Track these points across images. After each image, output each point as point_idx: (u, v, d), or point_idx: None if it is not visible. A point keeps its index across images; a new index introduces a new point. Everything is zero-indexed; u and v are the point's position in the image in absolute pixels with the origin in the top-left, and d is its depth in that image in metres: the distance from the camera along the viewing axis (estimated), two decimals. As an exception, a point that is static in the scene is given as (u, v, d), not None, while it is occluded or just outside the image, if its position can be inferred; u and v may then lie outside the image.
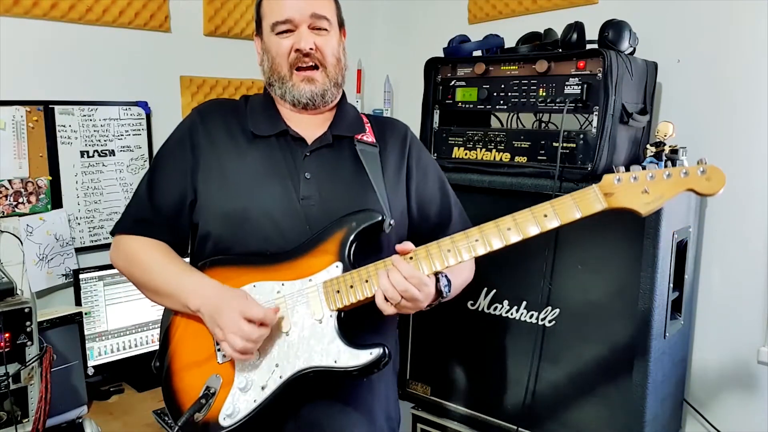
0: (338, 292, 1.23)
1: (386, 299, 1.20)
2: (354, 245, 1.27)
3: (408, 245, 1.23)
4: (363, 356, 1.20)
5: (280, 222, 1.30)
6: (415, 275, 1.18)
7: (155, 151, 2.30)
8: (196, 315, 1.28)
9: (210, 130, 1.38)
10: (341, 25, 1.41)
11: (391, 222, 1.30)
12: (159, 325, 1.44)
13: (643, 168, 1.18)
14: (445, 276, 1.28)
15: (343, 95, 1.46)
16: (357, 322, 1.27)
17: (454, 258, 1.21)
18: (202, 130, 1.38)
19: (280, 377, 1.23)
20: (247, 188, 1.32)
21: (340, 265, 1.25)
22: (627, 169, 1.17)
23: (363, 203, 1.31)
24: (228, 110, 1.42)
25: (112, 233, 1.41)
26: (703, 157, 1.16)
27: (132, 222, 1.38)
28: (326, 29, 1.34)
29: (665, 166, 1.74)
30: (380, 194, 1.34)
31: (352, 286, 1.23)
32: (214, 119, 1.39)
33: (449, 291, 1.30)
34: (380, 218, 1.27)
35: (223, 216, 1.32)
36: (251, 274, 1.30)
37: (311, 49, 1.32)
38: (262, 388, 1.24)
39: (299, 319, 1.25)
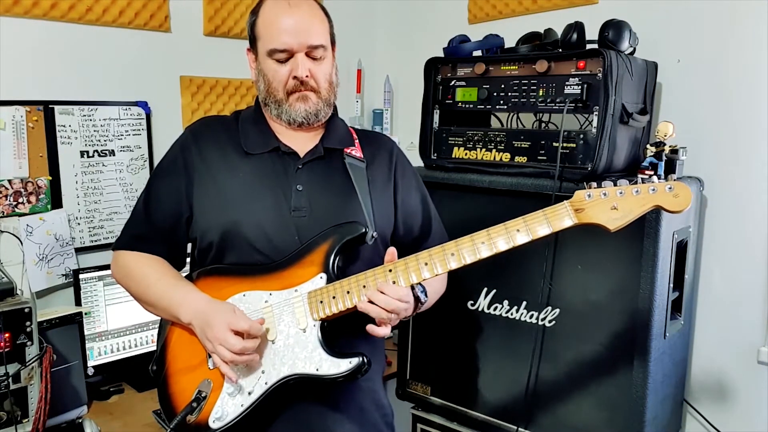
0: (321, 302, 1.29)
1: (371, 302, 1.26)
2: (338, 257, 1.32)
3: (393, 253, 1.30)
4: (343, 365, 1.26)
5: (270, 233, 1.35)
6: (402, 294, 1.25)
7: (155, 151, 2.33)
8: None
9: (202, 148, 1.42)
10: (333, 42, 1.45)
11: (374, 234, 1.36)
12: (158, 325, 1.48)
13: (615, 183, 1.21)
14: (419, 283, 1.33)
15: (335, 110, 1.50)
16: (346, 327, 1.33)
17: (430, 271, 1.26)
18: (195, 149, 1.42)
19: (266, 383, 1.29)
20: (240, 201, 1.37)
21: (324, 276, 1.31)
22: (599, 185, 1.21)
23: (349, 215, 1.36)
24: (219, 127, 1.47)
25: (113, 249, 1.47)
26: (672, 174, 1.19)
27: (130, 238, 1.44)
28: (321, 57, 1.38)
29: (664, 167, 1.76)
30: (365, 207, 1.39)
31: (334, 297, 1.28)
32: (205, 137, 1.44)
33: (426, 297, 1.36)
34: (363, 231, 1.32)
35: (217, 228, 1.37)
36: (241, 284, 1.35)
37: (306, 76, 1.36)
38: (249, 393, 1.29)
39: (285, 327, 1.31)
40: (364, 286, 1.27)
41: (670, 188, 1.18)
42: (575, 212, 1.22)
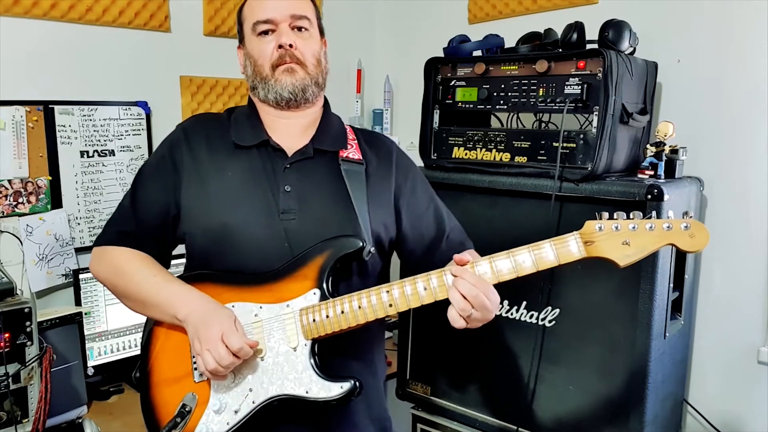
0: (314, 321, 1.23)
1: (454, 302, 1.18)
2: (332, 273, 1.26)
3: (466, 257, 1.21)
4: (334, 389, 1.21)
5: (259, 237, 1.30)
6: (482, 282, 1.17)
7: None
8: (178, 328, 1.29)
9: (192, 146, 1.38)
10: (322, 32, 1.42)
11: (371, 249, 1.30)
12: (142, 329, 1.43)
13: (629, 216, 1.15)
14: None
15: (327, 105, 1.46)
16: (339, 346, 1.29)
17: (429, 296, 1.20)
18: (185, 147, 1.38)
19: (253, 402, 1.24)
20: (227, 202, 1.32)
21: (317, 292, 1.25)
22: (611, 216, 1.16)
23: (341, 219, 1.31)
24: (211, 124, 1.43)
25: (95, 245, 1.40)
26: (688, 210, 1.14)
27: (116, 234, 1.37)
28: (306, 28, 1.35)
29: (664, 167, 1.76)
30: (361, 216, 1.32)
31: (328, 316, 1.23)
32: (196, 135, 1.40)
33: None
34: (360, 246, 1.26)
35: (205, 231, 1.33)
36: (231, 293, 1.29)
37: (290, 45, 1.32)
38: (235, 411, 1.24)
39: (275, 344, 1.25)
40: (360, 307, 1.21)
41: (686, 227, 1.12)
42: (585, 245, 1.15)
